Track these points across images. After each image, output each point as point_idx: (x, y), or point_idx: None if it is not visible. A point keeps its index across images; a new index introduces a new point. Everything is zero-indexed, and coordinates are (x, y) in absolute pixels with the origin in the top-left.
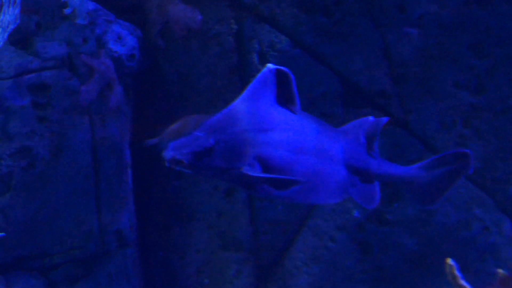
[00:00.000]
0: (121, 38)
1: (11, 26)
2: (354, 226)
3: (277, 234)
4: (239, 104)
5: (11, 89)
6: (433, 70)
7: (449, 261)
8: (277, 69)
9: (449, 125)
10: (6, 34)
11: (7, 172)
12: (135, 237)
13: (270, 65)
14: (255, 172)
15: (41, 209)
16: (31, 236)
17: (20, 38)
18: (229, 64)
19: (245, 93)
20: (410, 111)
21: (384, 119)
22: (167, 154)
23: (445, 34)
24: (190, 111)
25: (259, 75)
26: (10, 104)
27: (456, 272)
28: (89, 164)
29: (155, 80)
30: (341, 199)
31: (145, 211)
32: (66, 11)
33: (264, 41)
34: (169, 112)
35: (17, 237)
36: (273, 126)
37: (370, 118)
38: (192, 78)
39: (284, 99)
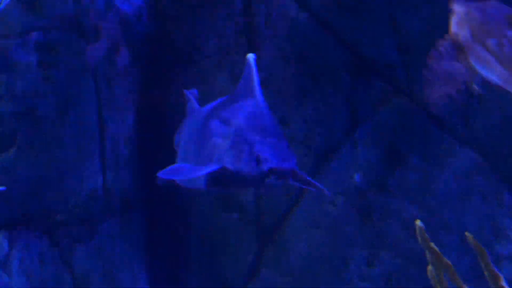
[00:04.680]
0: None
1: None
2: (355, 192)
3: (279, 198)
4: (262, 100)
5: (17, 47)
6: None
7: (418, 222)
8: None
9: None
10: None
11: (10, 130)
12: (140, 199)
13: (251, 55)
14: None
15: (45, 167)
16: (35, 194)
17: None
18: (236, 26)
19: (257, 88)
20: (414, 81)
21: None
22: (282, 166)
23: None
24: (197, 73)
25: (254, 67)
26: (16, 62)
27: (426, 235)
28: (94, 124)
29: (163, 42)
30: None
31: (150, 174)
32: None
33: (271, 4)
34: (178, 75)
35: (21, 195)
36: None
37: None
38: (199, 40)
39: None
